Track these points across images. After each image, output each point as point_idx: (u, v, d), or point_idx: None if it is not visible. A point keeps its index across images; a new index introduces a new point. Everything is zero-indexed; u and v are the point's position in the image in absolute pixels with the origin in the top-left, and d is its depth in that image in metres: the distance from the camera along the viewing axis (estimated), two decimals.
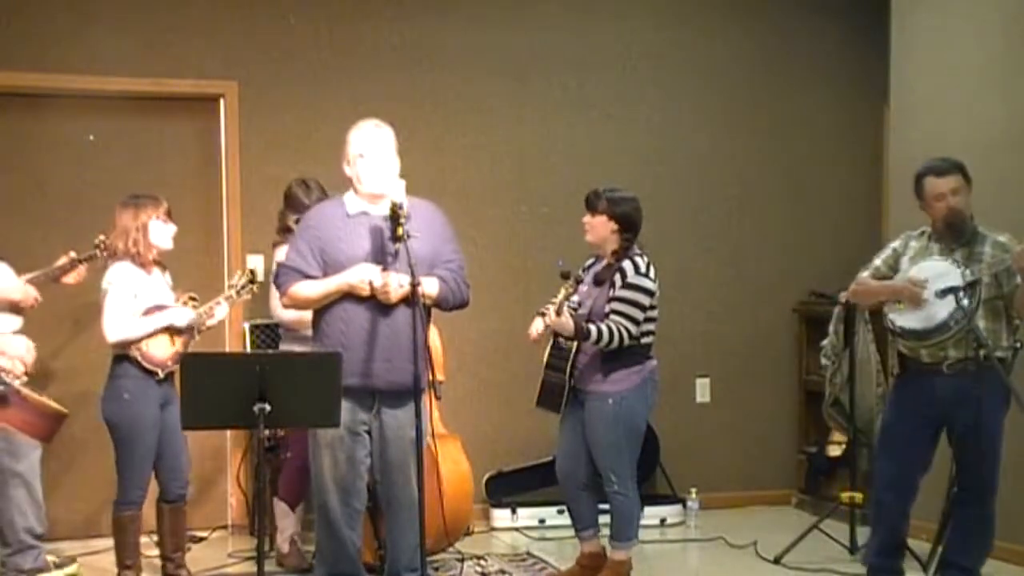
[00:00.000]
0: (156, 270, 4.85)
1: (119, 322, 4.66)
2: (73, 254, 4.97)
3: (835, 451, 6.42)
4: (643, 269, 4.79)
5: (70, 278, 5.00)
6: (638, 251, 4.86)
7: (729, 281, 6.84)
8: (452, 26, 6.41)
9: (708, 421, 6.81)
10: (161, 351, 4.71)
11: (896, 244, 4.65)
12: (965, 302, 4.28)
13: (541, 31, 6.56)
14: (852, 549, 5.41)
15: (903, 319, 4.44)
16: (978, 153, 5.49)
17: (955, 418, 4.43)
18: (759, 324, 6.86)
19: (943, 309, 4.34)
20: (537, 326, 4.87)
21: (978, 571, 4.54)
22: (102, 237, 4.92)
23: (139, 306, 4.71)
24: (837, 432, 6.29)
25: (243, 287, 4.97)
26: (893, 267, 4.58)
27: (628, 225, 4.84)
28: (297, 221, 5.29)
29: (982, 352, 4.27)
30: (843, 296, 4.74)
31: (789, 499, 6.81)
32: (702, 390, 6.84)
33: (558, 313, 4.64)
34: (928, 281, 4.37)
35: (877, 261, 4.66)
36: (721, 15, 6.84)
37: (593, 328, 4.67)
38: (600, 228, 4.85)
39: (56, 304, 5.37)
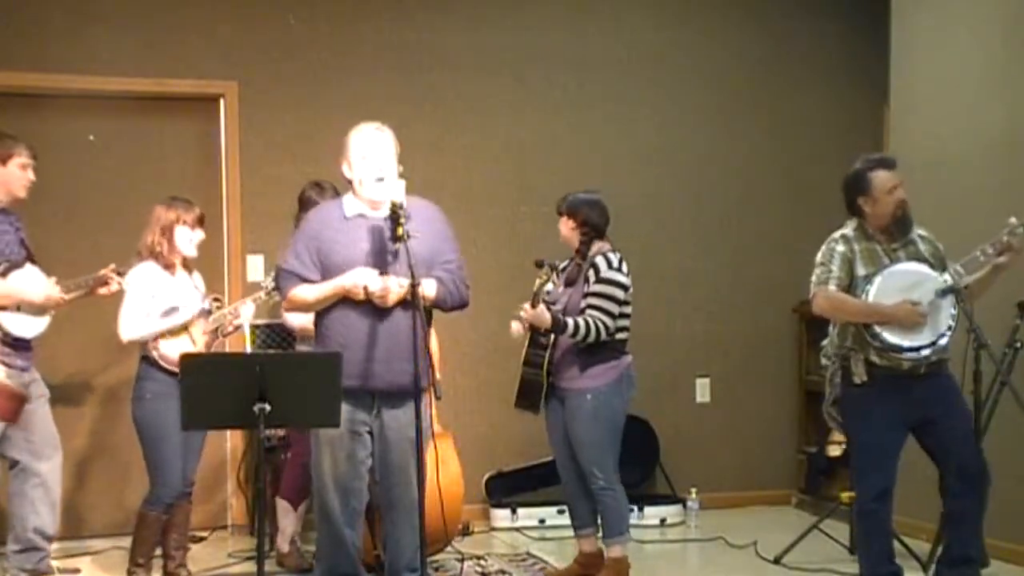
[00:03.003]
0: (182, 272, 4.85)
1: (131, 321, 4.69)
2: (114, 266, 4.91)
3: (835, 451, 6.42)
4: (615, 264, 4.87)
5: (108, 289, 4.92)
6: (609, 248, 4.94)
7: (729, 281, 6.84)
8: (452, 26, 6.41)
9: (708, 421, 6.81)
10: (178, 351, 4.70)
11: (841, 249, 4.50)
12: (967, 306, 4.32)
13: (541, 31, 6.56)
14: (852, 549, 5.40)
15: (899, 338, 4.37)
16: (978, 153, 5.52)
17: (936, 414, 4.45)
18: (759, 324, 6.86)
19: (939, 322, 4.37)
20: (515, 328, 4.97)
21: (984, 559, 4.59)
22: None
23: (157, 306, 4.71)
24: (837, 432, 6.26)
25: (274, 288, 4.97)
26: (850, 274, 4.48)
27: (582, 222, 4.93)
28: None
29: (983, 351, 4.31)
30: (816, 308, 4.64)
31: (789, 499, 6.81)
32: (702, 390, 6.84)
33: (533, 305, 4.71)
34: (921, 300, 4.37)
35: (835, 269, 4.49)
36: (721, 15, 6.84)
37: (570, 320, 4.74)
38: (563, 228, 4.99)
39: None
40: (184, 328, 4.76)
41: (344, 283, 4.10)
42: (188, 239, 4.79)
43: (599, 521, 5.00)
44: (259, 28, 6.13)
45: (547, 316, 4.71)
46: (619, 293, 4.84)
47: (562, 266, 5.09)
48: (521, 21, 6.54)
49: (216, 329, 4.87)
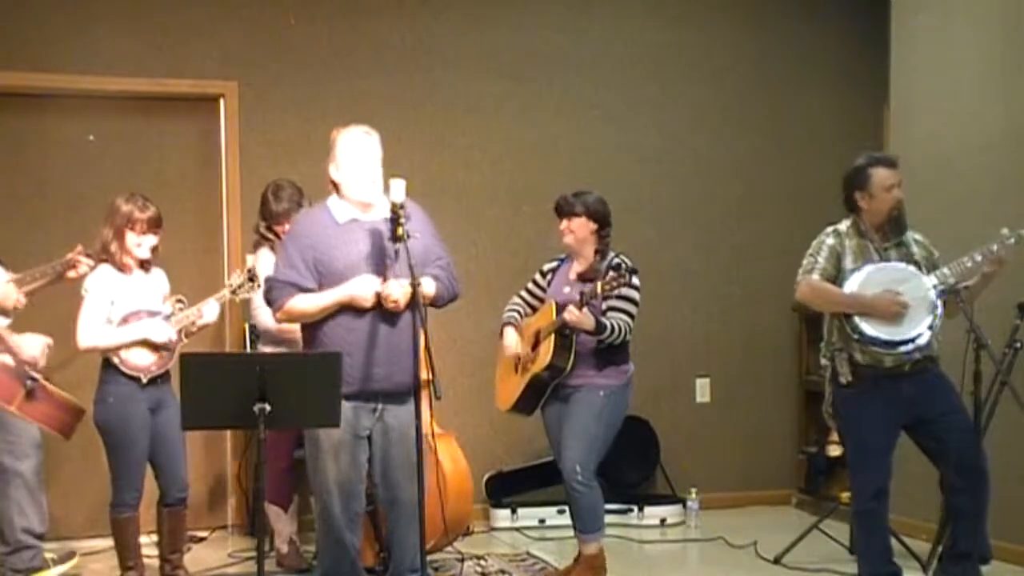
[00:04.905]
0: (139, 272, 4.77)
1: (90, 330, 4.62)
2: (81, 248, 4.87)
3: (835, 451, 6.42)
4: (631, 267, 4.87)
5: (75, 272, 4.87)
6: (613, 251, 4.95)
7: (729, 281, 6.84)
8: (452, 26, 6.41)
9: (708, 421, 6.81)
10: (141, 358, 4.67)
11: (831, 242, 4.57)
12: (967, 307, 4.33)
13: (541, 31, 6.56)
14: (852, 549, 5.40)
15: (878, 330, 4.40)
16: (978, 153, 5.51)
17: (928, 412, 4.47)
18: (759, 324, 6.86)
19: (923, 318, 4.37)
20: (512, 338, 4.98)
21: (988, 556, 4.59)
22: None
23: (117, 312, 4.66)
24: (837, 432, 6.29)
25: (239, 286, 4.93)
26: (837, 267, 4.54)
27: (605, 222, 4.93)
28: (269, 227, 5.29)
29: (983, 351, 4.32)
30: (798, 295, 4.69)
31: (789, 499, 6.81)
32: (702, 390, 6.84)
33: (579, 307, 4.67)
34: (905, 294, 4.38)
35: (821, 260, 4.56)
36: (721, 15, 6.84)
37: (607, 323, 4.73)
38: (581, 229, 4.91)
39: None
40: (143, 341, 4.69)
41: (353, 293, 4.09)
42: (136, 243, 4.70)
43: (575, 518, 4.96)
44: (259, 28, 6.13)
45: (592, 319, 4.70)
46: (638, 296, 4.86)
47: (548, 268, 5.10)
48: (521, 21, 6.54)
49: (181, 330, 4.79)
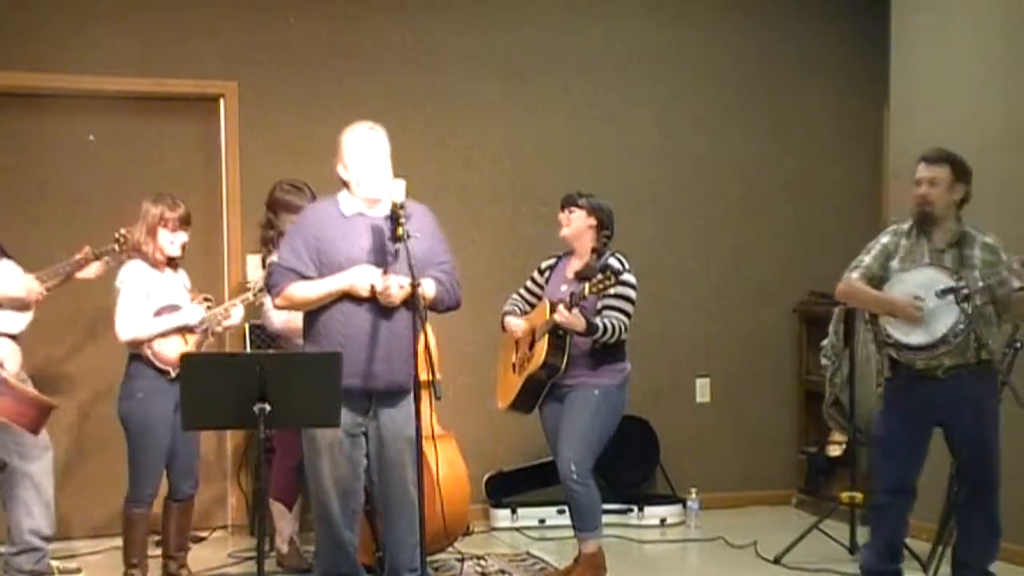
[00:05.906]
0: (169, 270, 4.84)
1: (131, 321, 4.67)
2: (89, 248, 4.92)
3: (835, 451, 6.43)
4: (628, 267, 4.89)
5: (88, 272, 4.94)
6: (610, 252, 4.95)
7: (729, 281, 6.84)
8: (452, 26, 6.41)
9: (708, 421, 6.81)
10: (173, 351, 4.70)
11: (886, 240, 4.58)
12: (968, 308, 4.29)
13: (541, 31, 6.56)
14: (852, 549, 5.41)
15: (900, 332, 4.40)
16: (978, 153, 5.50)
17: (952, 420, 4.45)
18: (759, 324, 6.86)
19: (941, 324, 4.33)
20: (518, 324, 4.99)
21: (989, 568, 4.57)
22: (122, 231, 4.86)
23: (152, 305, 4.71)
24: (837, 432, 6.29)
25: (261, 289, 4.96)
26: (884, 266, 4.54)
27: (606, 222, 4.94)
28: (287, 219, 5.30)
29: (983, 353, 4.31)
30: (835, 293, 4.71)
31: (789, 499, 6.81)
32: (702, 390, 6.84)
33: (569, 307, 4.68)
34: (924, 299, 4.35)
35: (867, 259, 4.57)
36: (721, 15, 6.84)
37: (599, 323, 4.73)
38: (578, 222, 4.94)
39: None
40: (180, 329, 4.75)
41: (352, 281, 4.10)
42: (169, 241, 4.77)
43: (573, 517, 4.96)
44: (259, 28, 6.13)
45: (582, 320, 4.70)
46: (633, 294, 4.87)
47: (546, 265, 5.11)
48: (521, 21, 6.54)
49: (206, 329, 4.85)
